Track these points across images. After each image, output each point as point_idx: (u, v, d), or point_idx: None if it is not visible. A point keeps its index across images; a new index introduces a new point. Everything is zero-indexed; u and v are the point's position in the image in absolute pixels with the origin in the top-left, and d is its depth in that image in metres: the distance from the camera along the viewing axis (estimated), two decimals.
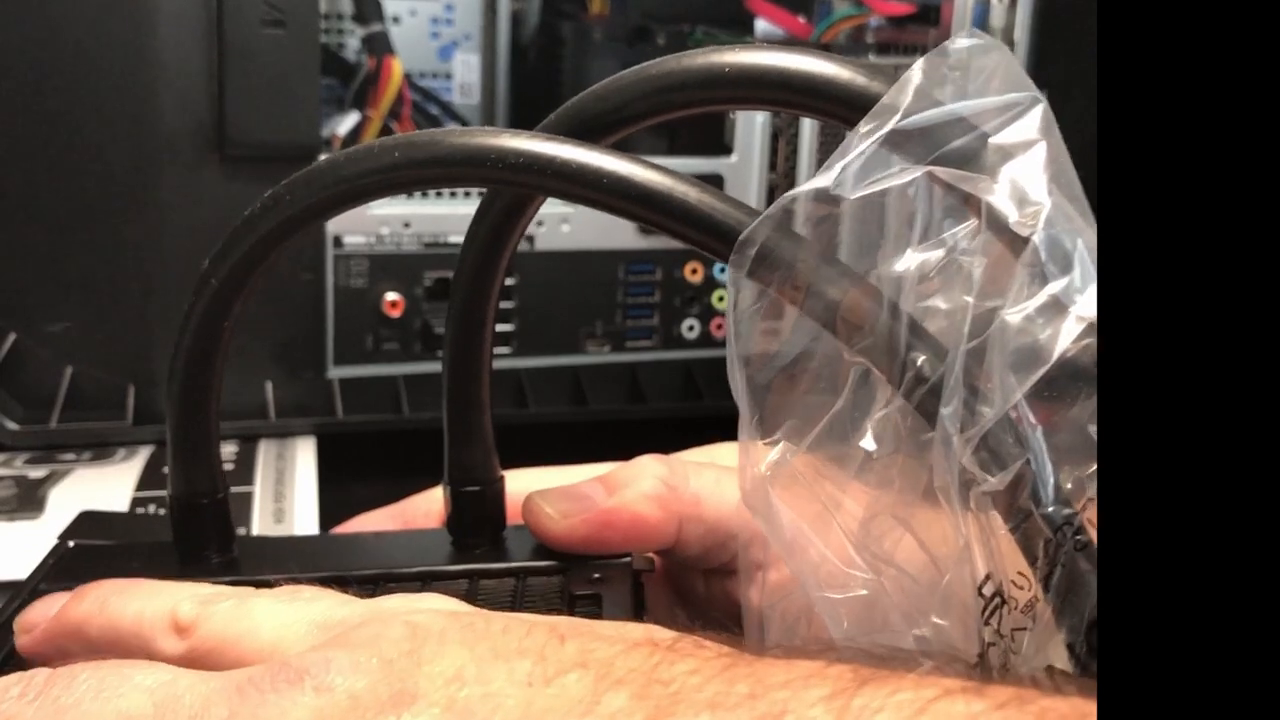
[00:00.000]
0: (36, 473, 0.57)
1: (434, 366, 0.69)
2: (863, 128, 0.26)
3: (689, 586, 0.38)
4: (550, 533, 0.35)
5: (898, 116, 0.26)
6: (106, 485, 0.56)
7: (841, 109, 0.28)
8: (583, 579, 0.33)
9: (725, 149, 0.70)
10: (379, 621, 0.26)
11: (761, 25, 0.76)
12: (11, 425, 0.59)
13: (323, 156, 0.32)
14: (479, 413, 0.35)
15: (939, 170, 0.26)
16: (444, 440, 0.35)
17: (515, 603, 0.33)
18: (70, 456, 0.59)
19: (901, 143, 0.26)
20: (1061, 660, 0.24)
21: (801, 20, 0.76)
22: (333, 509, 0.54)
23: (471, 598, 0.33)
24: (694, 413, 0.71)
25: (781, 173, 0.72)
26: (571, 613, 0.32)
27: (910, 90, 0.26)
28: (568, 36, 0.77)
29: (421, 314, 0.66)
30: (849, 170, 0.26)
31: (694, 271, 0.71)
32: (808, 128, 0.72)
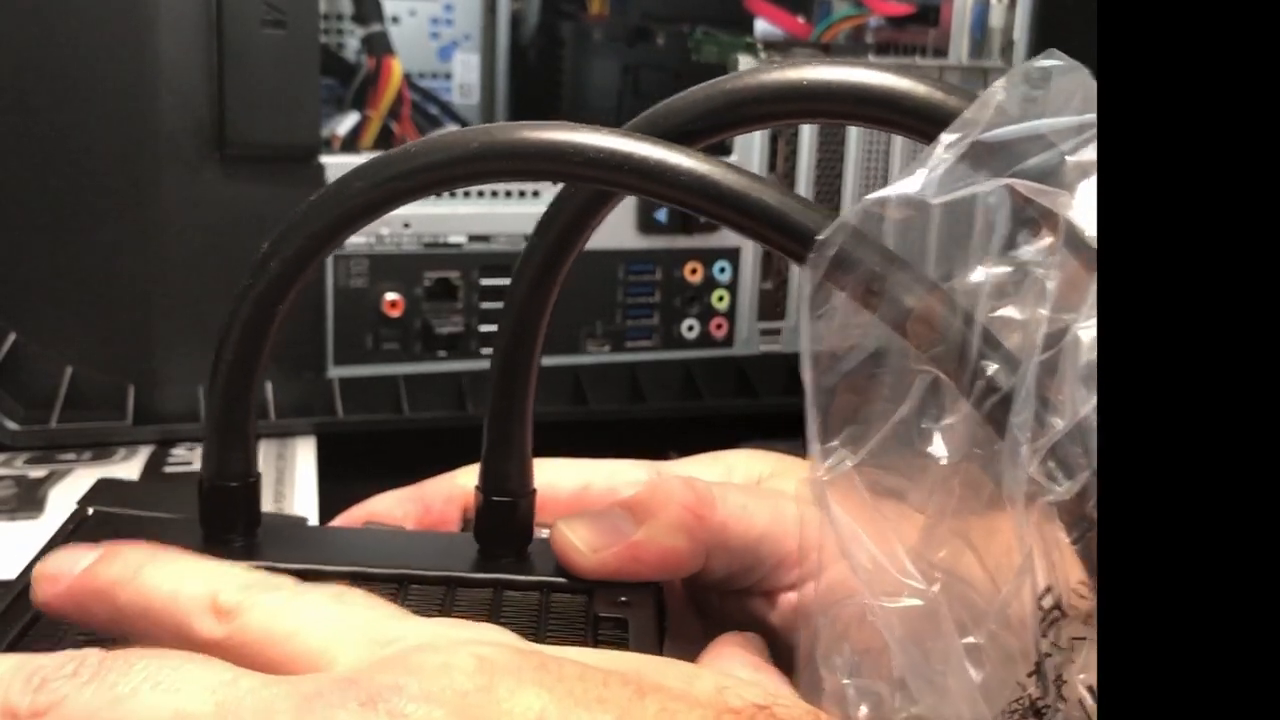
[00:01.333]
0: (37, 472, 0.57)
1: (434, 366, 0.69)
2: (945, 139, 0.26)
3: (704, 600, 0.38)
4: (579, 566, 0.34)
5: (980, 129, 0.26)
6: None
7: (920, 123, 0.29)
8: (608, 600, 0.33)
9: (725, 149, 0.70)
10: (444, 649, 0.25)
11: (761, 25, 0.76)
12: (12, 425, 0.59)
13: (344, 158, 0.32)
14: (521, 424, 0.35)
15: (1018, 184, 0.26)
16: (483, 446, 0.35)
17: (539, 619, 0.33)
18: (70, 456, 0.59)
19: (982, 156, 0.26)
20: None
21: (801, 20, 0.76)
22: (333, 509, 0.54)
23: (495, 609, 0.33)
24: (693, 412, 0.71)
25: (781, 173, 0.72)
26: (596, 635, 0.32)
27: (992, 106, 0.26)
28: (567, 36, 0.77)
29: (421, 314, 0.66)
30: (932, 178, 0.26)
31: (694, 271, 0.71)
32: (806, 131, 0.72)
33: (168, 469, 0.58)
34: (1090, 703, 0.25)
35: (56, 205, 0.59)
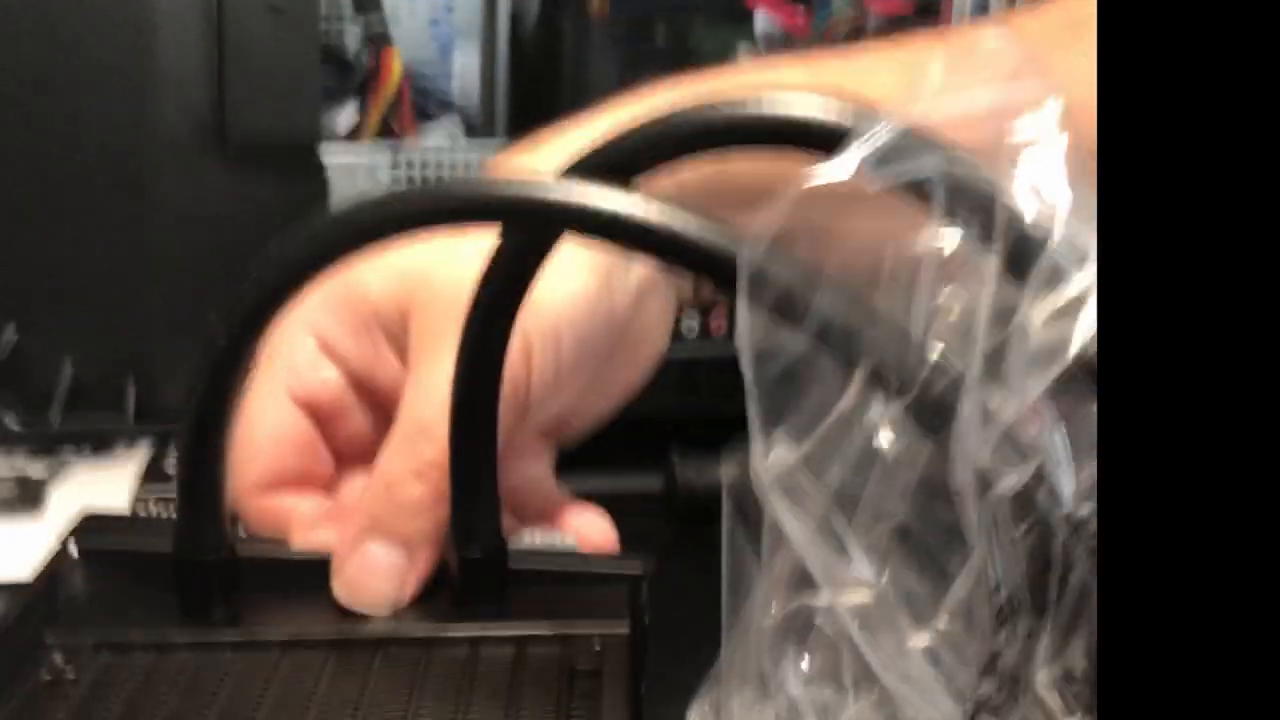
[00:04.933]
0: (37, 471, 0.56)
1: None
2: (881, 119, 0.26)
3: None
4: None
5: (916, 109, 0.26)
6: (107, 483, 0.56)
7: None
8: (582, 650, 0.33)
9: None
10: None
11: (761, 21, 0.76)
12: (12, 423, 0.59)
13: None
14: (487, 474, 0.35)
15: (956, 163, 0.26)
16: (451, 504, 0.35)
17: (514, 675, 0.33)
18: (71, 454, 0.58)
19: (919, 136, 0.26)
20: (1079, 664, 0.24)
21: (801, 16, 0.76)
22: None
23: (471, 667, 0.33)
24: (693, 412, 0.71)
25: None
26: (571, 688, 0.32)
27: (931, 85, 0.26)
28: (567, 30, 0.77)
29: None
30: (868, 159, 0.26)
31: None
32: None
33: (168, 466, 0.58)
34: (1052, 702, 0.24)
35: (55, 201, 0.59)
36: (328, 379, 0.40)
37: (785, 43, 0.74)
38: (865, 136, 0.26)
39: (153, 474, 0.57)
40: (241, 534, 0.38)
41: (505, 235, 0.32)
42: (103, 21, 0.58)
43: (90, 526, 0.38)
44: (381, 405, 0.41)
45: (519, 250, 0.32)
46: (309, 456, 0.41)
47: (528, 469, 0.43)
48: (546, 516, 0.42)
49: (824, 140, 0.28)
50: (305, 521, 0.39)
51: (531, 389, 0.38)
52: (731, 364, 0.81)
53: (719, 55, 0.73)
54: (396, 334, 0.40)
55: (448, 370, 0.34)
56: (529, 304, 0.34)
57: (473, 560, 0.35)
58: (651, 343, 0.45)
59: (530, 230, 0.31)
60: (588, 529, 0.42)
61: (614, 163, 0.31)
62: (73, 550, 0.36)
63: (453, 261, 0.36)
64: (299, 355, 0.40)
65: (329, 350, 0.41)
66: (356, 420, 0.41)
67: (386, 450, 0.37)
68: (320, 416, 0.41)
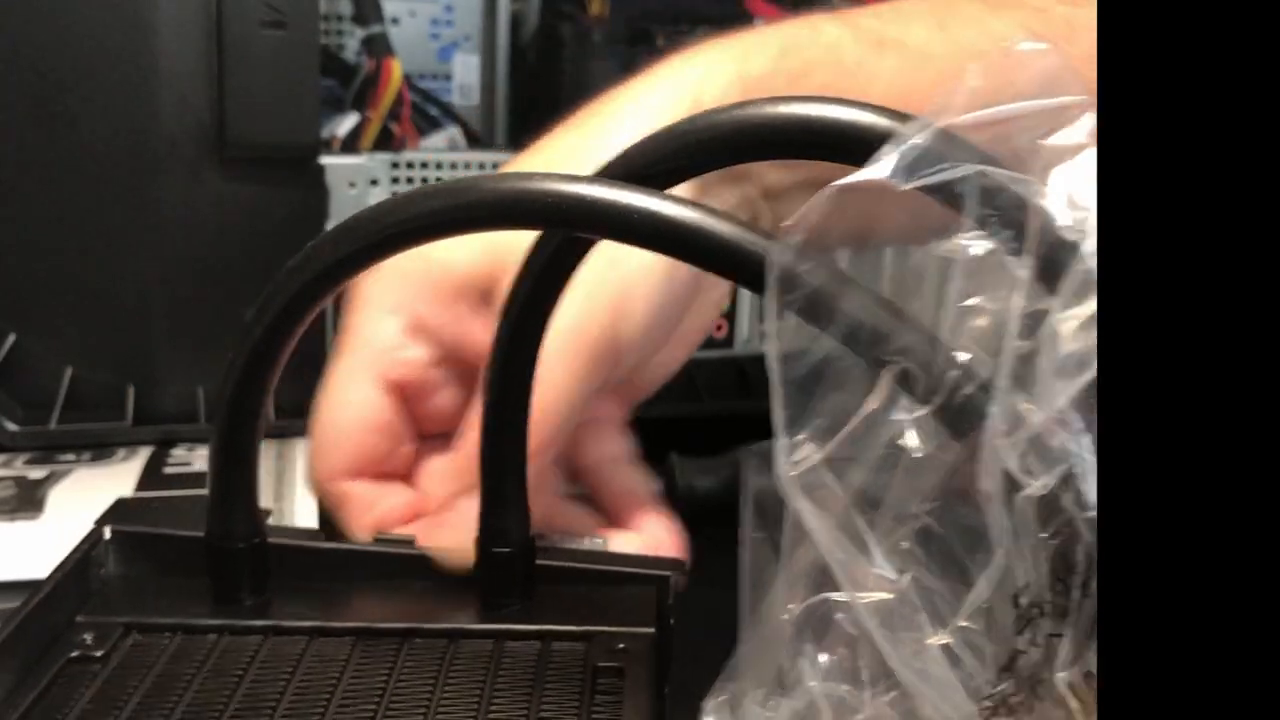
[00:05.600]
0: (36, 473, 0.56)
1: None
2: (915, 124, 0.26)
3: None
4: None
5: (952, 114, 0.26)
6: (106, 486, 0.56)
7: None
8: (606, 649, 0.33)
9: None
10: None
11: (761, 26, 0.76)
12: (11, 426, 0.59)
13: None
14: (517, 475, 0.35)
15: (990, 170, 0.26)
16: (480, 500, 0.35)
17: (538, 670, 0.33)
18: (70, 457, 0.59)
19: (954, 140, 0.26)
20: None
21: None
22: None
23: (495, 661, 0.33)
24: (694, 413, 0.71)
25: None
26: (594, 686, 0.32)
27: (965, 90, 0.26)
28: (567, 37, 0.77)
29: None
30: (902, 163, 0.26)
31: None
32: None
33: (167, 469, 0.58)
34: (1073, 703, 0.24)
35: (56, 206, 0.59)
36: (414, 358, 0.40)
37: None
38: (901, 139, 0.26)
39: (152, 476, 0.57)
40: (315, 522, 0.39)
41: (541, 235, 0.32)
42: (103, 29, 0.58)
43: (123, 509, 0.39)
44: (470, 374, 0.41)
45: (554, 250, 0.32)
46: (391, 440, 0.41)
47: (606, 446, 0.43)
48: (620, 511, 0.42)
49: (860, 149, 0.28)
50: (393, 517, 0.40)
51: (621, 340, 0.39)
52: (732, 366, 0.82)
53: None
54: (483, 305, 0.40)
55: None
56: (614, 259, 0.34)
57: (500, 555, 0.35)
58: (715, 301, 0.46)
59: (566, 230, 0.31)
60: (655, 540, 0.41)
61: (641, 170, 0.31)
62: (106, 532, 0.37)
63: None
64: (383, 337, 0.40)
65: (417, 328, 0.41)
66: (445, 394, 0.41)
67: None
68: (406, 394, 0.41)
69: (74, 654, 0.33)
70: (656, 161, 0.31)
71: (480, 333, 0.39)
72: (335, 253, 0.31)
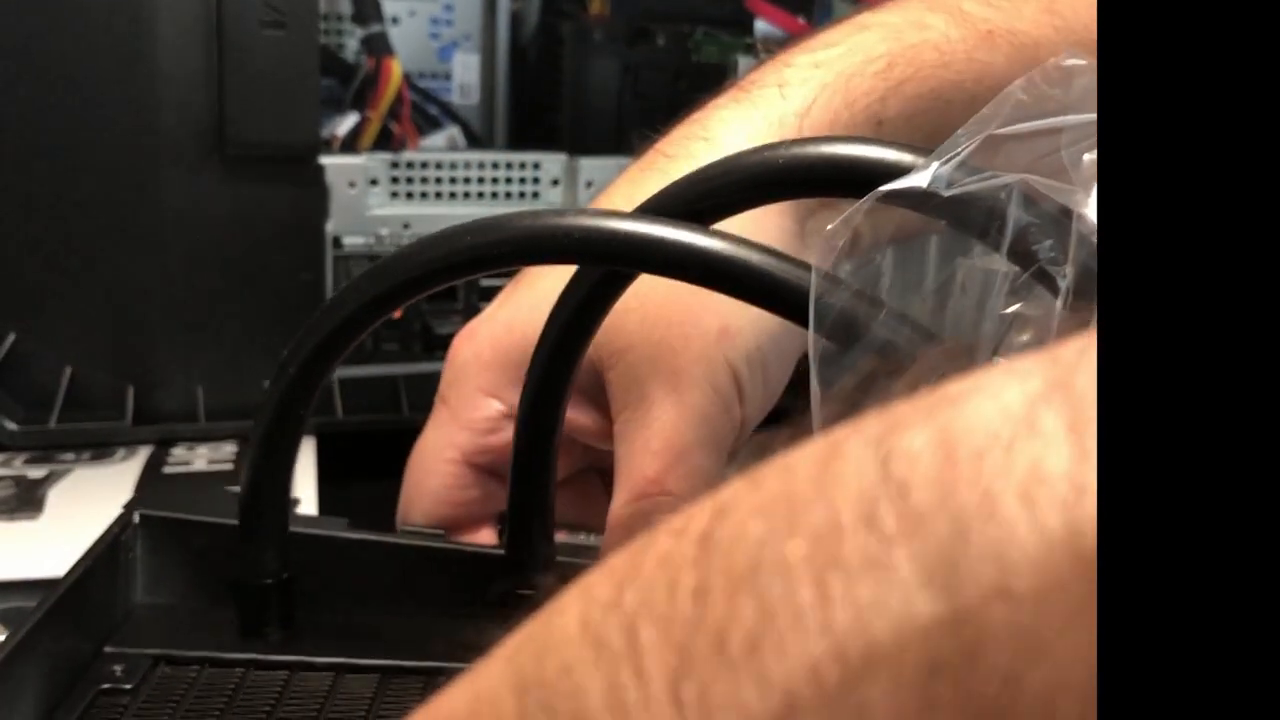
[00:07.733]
0: (36, 473, 0.56)
1: (434, 367, 0.69)
2: (961, 134, 0.26)
3: None
4: None
5: (995, 125, 0.26)
6: (106, 486, 0.56)
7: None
8: None
9: None
10: None
11: (761, 26, 0.76)
12: (11, 425, 0.59)
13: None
14: (545, 500, 0.36)
15: (1034, 179, 0.26)
16: (507, 524, 0.36)
17: None
18: (70, 457, 0.59)
19: (996, 151, 0.26)
20: None
21: (801, 21, 0.76)
22: (333, 509, 0.54)
23: None
24: None
25: None
26: None
27: (1010, 102, 0.26)
28: (567, 37, 0.77)
29: (421, 315, 0.66)
30: (942, 171, 0.26)
31: None
32: None
33: (167, 469, 0.58)
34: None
35: (56, 205, 0.59)
36: (504, 444, 0.41)
37: (785, 46, 0.74)
38: (942, 153, 0.26)
39: (151, 476, 0.57)
40: None
41: (581, 269, 0.33)
42: (103, 30, 0.58)
43: (150, 495, 0.39)
44: (567, 452, 0.41)
45: (594, 285, 0.33)
46: (467, 508, 0.42)
47: None
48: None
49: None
50: None
51: (745, 419, 0.39)
52: None
53: (719, 60, 0.73)
54: (583, 387, 0.40)
55: (662, 417, 0.36)
56: (725, 335, 0.35)
57: (528, 592, 0.35)
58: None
59: (605, 265, 0.32)
60: None
61: (680, 208, 0.31)
62: (135, 516, 0.37)
63: (630, 311, 0.37)
64: (477, 420, 0.42)
65: (510, 415, 0.41)
66: None
67: (617, 501, 0.38)
68: (494, 470, 0.42)
69: (105, 686, 0.33)
70: (696, 200, 0.32)
71: (578, 418, 0.40)
72: (372, 292, 0.32)
